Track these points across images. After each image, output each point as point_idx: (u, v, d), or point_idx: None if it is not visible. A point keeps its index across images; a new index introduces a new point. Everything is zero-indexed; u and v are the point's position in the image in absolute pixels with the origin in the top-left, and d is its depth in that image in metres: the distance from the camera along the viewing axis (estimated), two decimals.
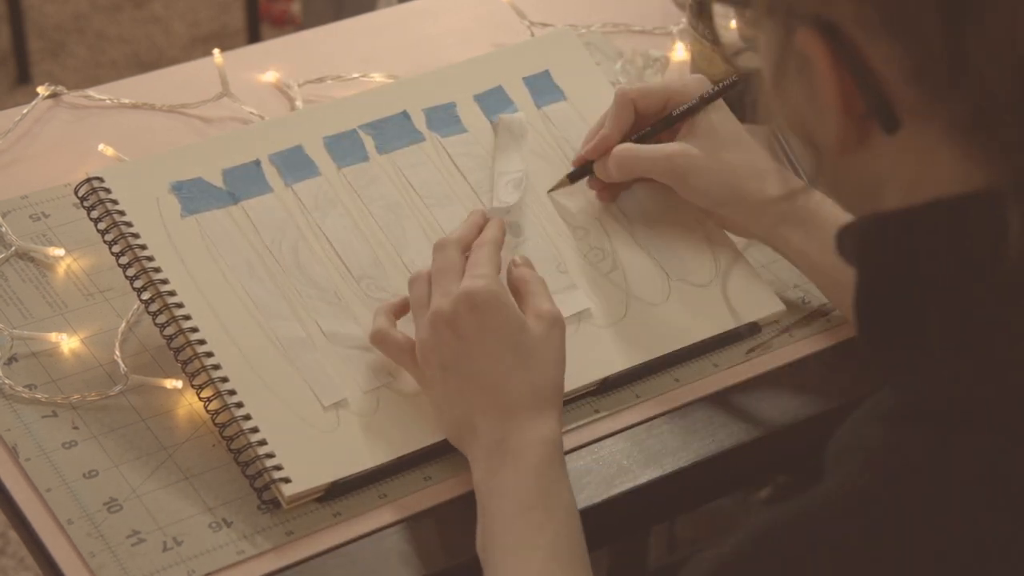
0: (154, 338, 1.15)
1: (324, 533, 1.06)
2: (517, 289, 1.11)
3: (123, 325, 1.17)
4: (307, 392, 1.11)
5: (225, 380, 1.09)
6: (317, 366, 1.12)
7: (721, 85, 1.20)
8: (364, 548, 1.06)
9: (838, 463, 0.78)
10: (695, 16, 1.40)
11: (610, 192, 1.24)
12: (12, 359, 1.15)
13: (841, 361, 1.20)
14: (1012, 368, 0.75)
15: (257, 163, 1.21)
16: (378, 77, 1.43)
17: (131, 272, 1.14)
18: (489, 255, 1.10)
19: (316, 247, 1.18)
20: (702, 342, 1.20)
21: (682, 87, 1.21)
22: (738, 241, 1.25)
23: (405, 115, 1.27)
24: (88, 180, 1.17)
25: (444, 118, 1.27)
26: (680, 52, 1.49)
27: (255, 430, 1.08)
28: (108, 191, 1.16)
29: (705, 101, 1.20)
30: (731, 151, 1.19)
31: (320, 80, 1.42)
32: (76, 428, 1.11)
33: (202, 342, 1.10)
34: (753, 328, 1.22)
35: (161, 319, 1.12)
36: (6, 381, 1.13)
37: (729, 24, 1.27)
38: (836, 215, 1.15)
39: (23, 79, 3.14)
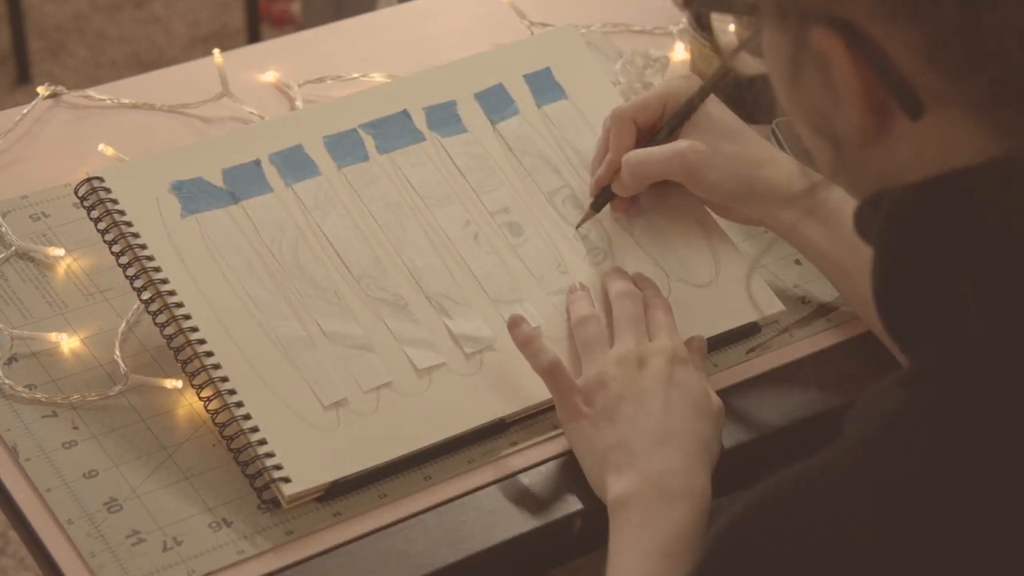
0: (154, 338, 1.15)
1: (324, 533, 1.06)
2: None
3: (123, 325, 1.17)
4: (307, 392, 1.11)
5: (225, 380, 1.09)
6: (317, 366, 1.12)
7: (713, 77, 1.20)
8: (364, 548, 1.06)
9: (854, 422, 0.78)
10: (694, 23, 1.40)
11: (636, 206, 1.24)
12: (12, 359, 1.15)
13: (841, 361, 1.20)
14: None
15: (257, 163, 1.21)
16: (378, 77, 1.43)
17: (131, 272, 1.14)
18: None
19: (316, 247, 1.18)
20: None
21: (677, 89, 1.21)
22: (738, 241, 1.25)
23: (405, 114, 1.27)
24: (88, 180, 1.17)
25: (444, 117, 1.27)
26: (680, 52, 1.49)
27: (255, 430, 1.08)
28: (108, 191, 1.16)
29: (700, 95, 1.20)
30: (733, 142, 1.19)
31: (320, 80, 1.42)
32: (76, 428, 1.11)
33: (202, 342, 1.10)
34: (753, 328, 1.22)
35: (161, 319, 1.12)
36: (6, 381, 1.13)
37: (728, 27, 1.27)
38: (844, 203, 1.15)
39: (23, 79, 3.14)
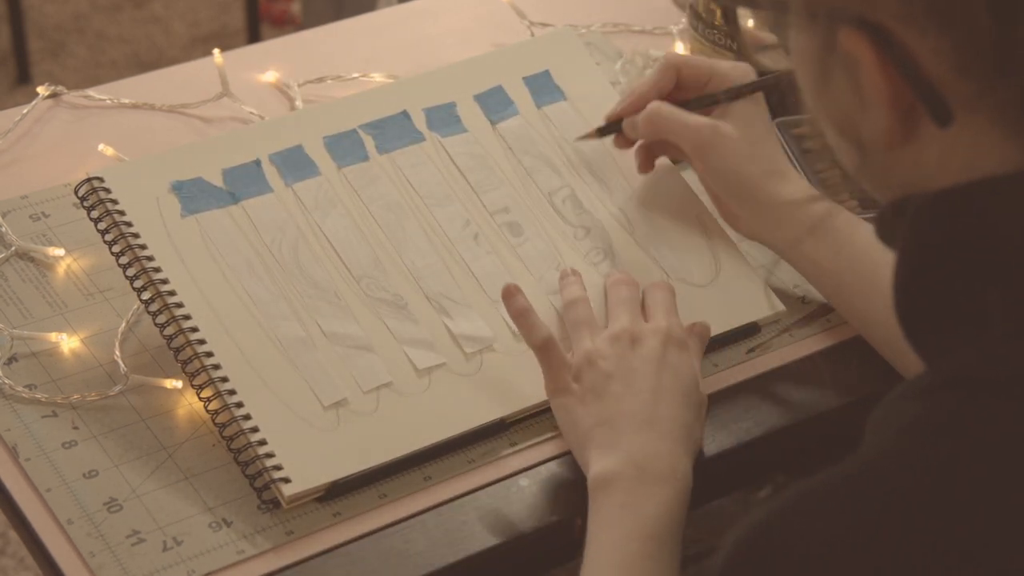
0: (154, 338, 1.15)
1: (324, 533, 1.06)
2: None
3: (123, 325, 1.17)
4: (307, 392, 1.11)
5: (225, 380, 1.09)
6: (317, 366, 1.12)
7: (765, 78, 1.20)
8: (364, 548, 1.06)
9: (874, 433, 0.78)
10: (723, 20, 1.39)
11: (643, 156, 1.25)
12: (12, 359, 1.15)
13: (841, 361, 1.20)
14: None
15: (257, 163, 1.21)
16: (378, 77, 1.43)
17: (131, 272, 1.14)
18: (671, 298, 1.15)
19: (316, 247, 1.18)
20: None
21: (729, 70, 1.21)
22: (737, 241, 1.25)
23: (405, 115, 1.27)
24: (88, 180, 1.17)
25: (444, 118, 1.27)
26: (680, 52, 1.49)
27: (255, 430, 1.08)
28: (108, 191, 1.16)
29: (749, 88, 1.19)
30: (757, 146, 1.19)
31: (320, 80, 1.42)
32: (76, 428, 1.11)
33: (202, 342, 1.10)
34: (753, 328, 1.22)
35: (161, 319, 1.12)
36: (6, 381, 1.13)
37: (747, 23, 1.27)
38: (847, 224, 1.15)
39: (23, 79, 3.14)
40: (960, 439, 0.75)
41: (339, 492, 1.08)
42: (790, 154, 1.31)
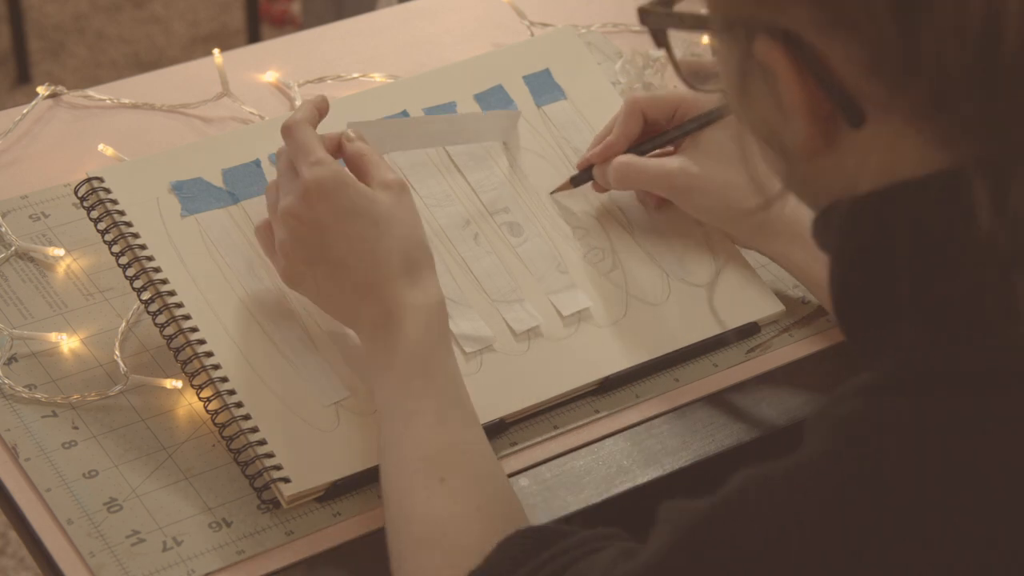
0: (154, 338, 1.15)
1: (324, 533, 1.06)
2: (355, 165, 1.11)
3: (123, 325, 1.17)
4: (307, 392, 1.11)
5: (225, 380, 1.09)
6: (317, 366, 1.12)
7: (713, 111, 1.19)
8: (364, 548, 1.06)
9: (813, 431, 0.80)
10: (656, 45, 1.39)
11: (643, 197, 1.25)
12: (12, 359, 1.15)
13: (841, 361, 1.20)
14: (984, 337, 0.77)
15: (257, 163, 1.21)
16: (378, 77, 1.43)
17: (131, 272, 1.14)
18: (309, 136, 1.10)
19: None
20: (702, 342, 1.20)
21: (694, 96, 1.21)
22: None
23: (405, 115, 1.27)
24: (88, 180, 1.17)
25: None
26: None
27: (255, 430, 1.08)
28: (108, 191, 1.16)
29: (709, 117, 1.19)
30: (730, 172, 1.18)
31: (320, 80, 1.42)
32: (76, 428, 1.11)
33: (202, 342, 1.10)
34: (753, 328, 1.22)
35: (161, 319, 1.12)
36: (6, 381, 1.13)
37: (701, 40, 1.27)
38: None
39: (23, 79, 3.14)
40: (887, 438, 0.76)
41: (339, 492, 1.08)
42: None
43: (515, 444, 1.12)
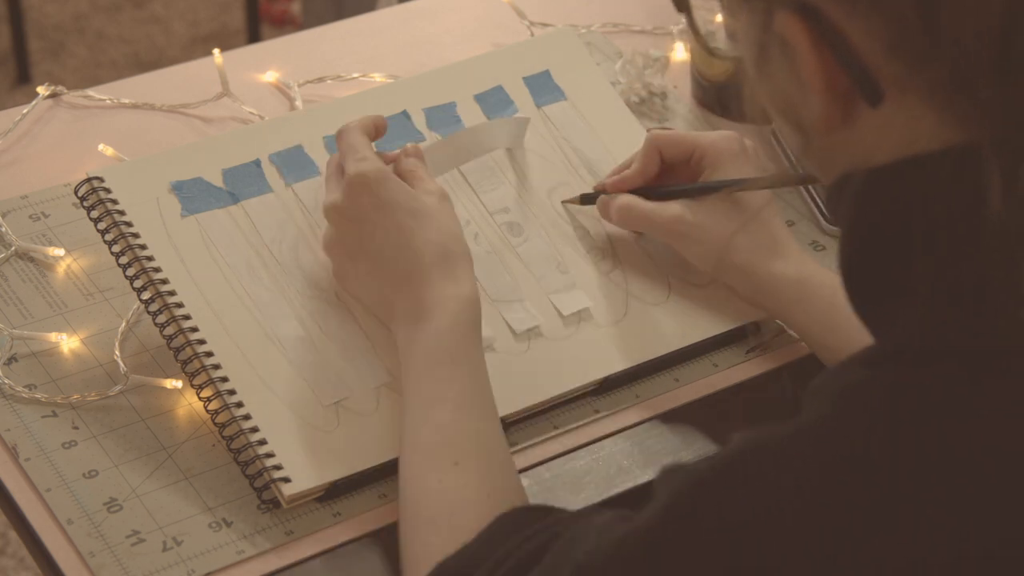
0: (154, 338, 1.15)
1: (324, 533, 1.06)
2: (405, 179, 1.13)
3: (123, 325, 1.17)
4: (307, 392, 1.11)
5: (225, 380, 1.09)
6: (317, 366, 1.12)
7: (724, 181, 1.18)
8: (364, 548, 1.06)
9: (814, 398, 0.80)
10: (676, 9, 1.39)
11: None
12: (12, 359, 1.15)
13: None
14: (988, 317, 0.78)
15: (257, 163, 1.21)
16: (378, 77, 1.43)
17: (131, 272, 1.14)
18: (359, 139, 1.13)
19: (316, 247, 1.18)
20: (702, 342, 1.20)
21: (710, 144, 1.19)
22: None
23: (405, 115, 1.27)
24: (88, 180, 1.17)
25: (444, 118, 1.28)
26: (680, 52, 1.49)
27: (255, 430, 1.08)
28: (108, 191, 1.16)
29: (732, 186, 1.17)
30: (732, 225, 1.17)
31: (320, 80, 1.42)
32: (76, 428, 1.11)
33: (202, 342, 1.10)
34: (753, 328, 1.22)
35: (161, 319, 1.12)
36: (6, 381, 1.13)
37: (714, 17, 1.27)
38: (830, 291, 1.14)
39: (23, 79, 3.14)
40: (891, 409, 0.77)
41: (339, 492, 1.08)
42: (790, 159, 1.31)
43: (515, 444, 1.12)
